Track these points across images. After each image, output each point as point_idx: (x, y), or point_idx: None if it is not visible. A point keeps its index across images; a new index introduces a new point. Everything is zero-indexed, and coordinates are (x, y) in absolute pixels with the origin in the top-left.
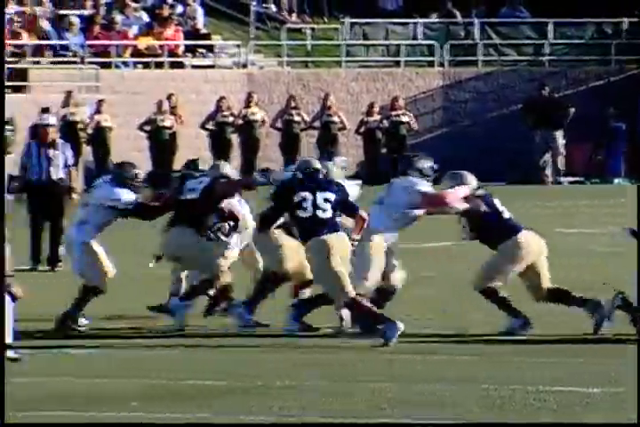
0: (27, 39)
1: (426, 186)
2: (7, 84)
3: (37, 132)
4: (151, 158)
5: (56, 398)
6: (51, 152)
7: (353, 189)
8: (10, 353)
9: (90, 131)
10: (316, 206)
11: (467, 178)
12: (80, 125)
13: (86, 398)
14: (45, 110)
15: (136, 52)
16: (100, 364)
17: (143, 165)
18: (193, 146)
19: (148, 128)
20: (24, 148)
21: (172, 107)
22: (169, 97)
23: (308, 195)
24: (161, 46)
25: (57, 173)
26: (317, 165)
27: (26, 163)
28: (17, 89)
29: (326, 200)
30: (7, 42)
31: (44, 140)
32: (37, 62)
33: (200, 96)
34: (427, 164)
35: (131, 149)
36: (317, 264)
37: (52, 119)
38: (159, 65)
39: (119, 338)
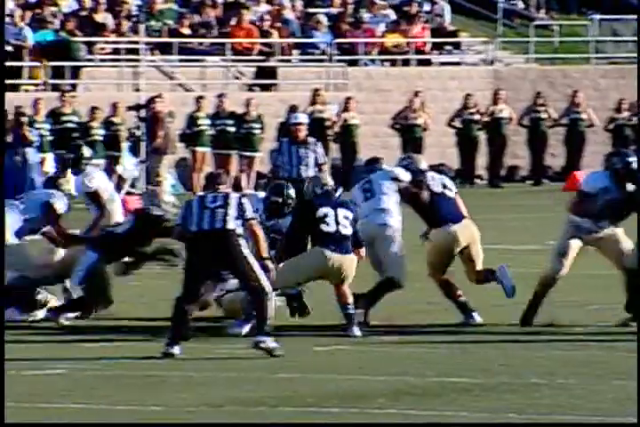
0: (276, 37)
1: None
2: (256, 82)
3: (289, 130)
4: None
5: (309, 395)
6: (302, 150)
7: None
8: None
9: (337, 129)
10: (337, 222)
11: (417, 161)
12: (327, 123)
13: (335, 395)
14: (293, 109)
15: (383, 50)
16: (345, 361)
17: (392, 164)
18: (440, 144)
19: (397, 126)
20: (276, 146)
21: (420, 104)
22: (416, 94)
23: (329, 211)
24: (408, 44)
25: (307, 171)
26: (330, 182)
27: (277, 161)
28: (265, 87)
29: (346, 217)
30: (257, 40)
31: (296, 139)
32: (286, 61)
33: (447, 93)
34: None
35: (379, 146)
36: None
37: (303, 118)
38: (406, 62)
39: (373, 335)
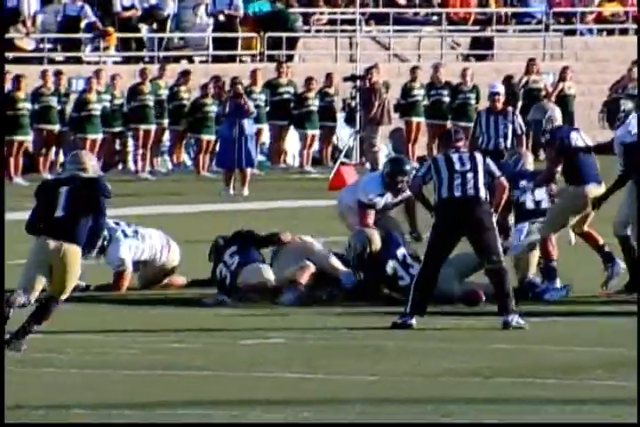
0: (492, 7)
1: None
2: (472, 52)
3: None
4: None
5: (524, 367)
6: (500, 120)
7: None
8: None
9: (553, 98)
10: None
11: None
12: (542, 93)
13: (551, 366)
14: (508, 79)
15: (600, 19)
16: (560, 333)
17: (608, 134)
18: None
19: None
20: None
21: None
22: (634, 63)
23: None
24: (626, 12)
25: (505, 142)
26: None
27: (475, 132)
28: (481, 57)
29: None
30: (473, 10)
31: (494, 109)
32: (502, 31)
33: None
34: None
35: (595, 117)
36: None
37: (500, 87)
38: (624, 31)
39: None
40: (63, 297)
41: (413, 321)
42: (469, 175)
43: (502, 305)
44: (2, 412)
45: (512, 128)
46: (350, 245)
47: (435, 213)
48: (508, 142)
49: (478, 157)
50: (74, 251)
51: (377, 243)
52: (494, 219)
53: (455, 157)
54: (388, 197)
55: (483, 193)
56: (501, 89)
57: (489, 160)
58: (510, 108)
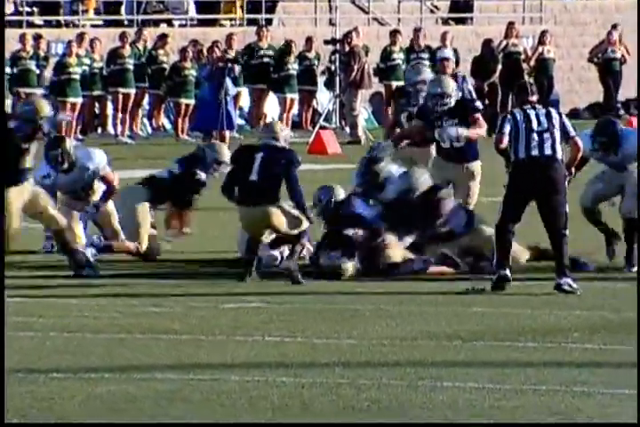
0: None
1: None
2: (451, 15)
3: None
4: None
5: (503, 330)
6: None
7: None
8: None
9: (532, 62)
10: None
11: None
12: (522, 57)
13: (530, 329)
14: (488, 42)
15: None
16: (539, 296)
17: (588, 97)
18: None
19: (595, 60)
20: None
21: (618, 37)
22: (614, 27)
23: None
24: None
25: None
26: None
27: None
28: (460, 21)
29: None
30: None
31: (444, 73)
32: None
33: None
34: None
35: (575, 80)
36: None
37: (449, 53)
38: None
39: None
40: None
41: (507, 272)
42: (546, 135)
43: (559, 268)
44: (2, 412)
45: (462, 94)
46: (318, 198)
47: (511, 171)
48: None
49: (554, 114)
50: (273, 211)
51: (341, 195)
52: (567, 182)
53: (532, 113)
54: None
55: (560, 154)
56: (450, 54)
57: (565, 118)
58: (460, 74)
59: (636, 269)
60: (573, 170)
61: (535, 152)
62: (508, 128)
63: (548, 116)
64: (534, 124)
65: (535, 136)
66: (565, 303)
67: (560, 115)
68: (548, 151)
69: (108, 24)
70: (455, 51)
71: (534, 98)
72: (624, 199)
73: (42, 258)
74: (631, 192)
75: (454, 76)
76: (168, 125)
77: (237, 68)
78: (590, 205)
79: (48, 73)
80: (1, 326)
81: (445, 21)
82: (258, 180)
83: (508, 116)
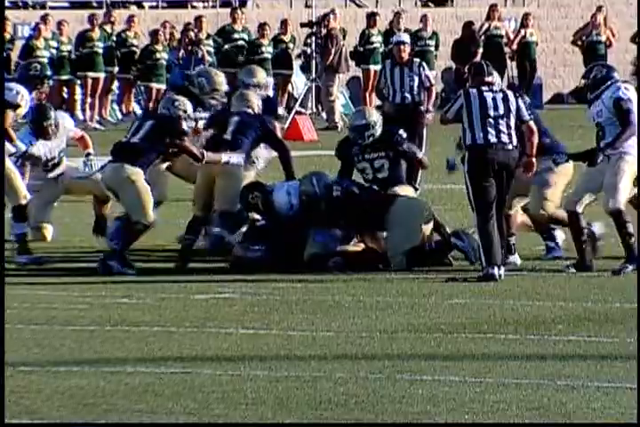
0: None
1: None
2: None
3: (391, 50)
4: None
5: (485, 322)
6: (406, 72)
7: None
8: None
9: (514, 46)
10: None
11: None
12: (504, 40)
13: (512, 321)
14: (468, 25)
15: None
16: (522, 287)
17: (572, 82)
18: (624, 61)
19: (579, 43)
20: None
21: (603, 20)
22: (599, 9)
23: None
24: None
25: (412, 95)
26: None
27: (380, 84)
28: (440, 3)
29: None
30: None
31: (399, 60)
32: None
33: (631, 8)
34: None
35: (558, 63)
36: None
37: (405, 37)
38: None
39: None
40: None
41: (495, 271)
42: (502, 122)
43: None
44: (2, 412)
45: (418, 80)
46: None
47: (468, 157)
48: (415, 96)
49: (511, 97)
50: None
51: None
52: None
53: (489, 97)
54: None
55: (515, 141)
56: (406, 38)
57: (520, 101)
58: (417, 60)
59: (631, 268)
60: (534, 160)
61: (492, 138)
62: (457, 106)
63: (505, 99)
64: (491, 110)
65: (492, 121)
66: (549, 294)
67: (516, 97)
68: (504, 138)
69: (75, 5)
70: (435, 34)
71: (490, 78)
72: (604, 195)
73: (9, 247)
74: (609, 185)
75: (410, 62)
76: (138, 111)
77: (205, 51)
78: (574, 207)
79: (14, 55)
80: (1, 325)
81: (425, 3)
82: (231, 139)
83: (462, 96)
